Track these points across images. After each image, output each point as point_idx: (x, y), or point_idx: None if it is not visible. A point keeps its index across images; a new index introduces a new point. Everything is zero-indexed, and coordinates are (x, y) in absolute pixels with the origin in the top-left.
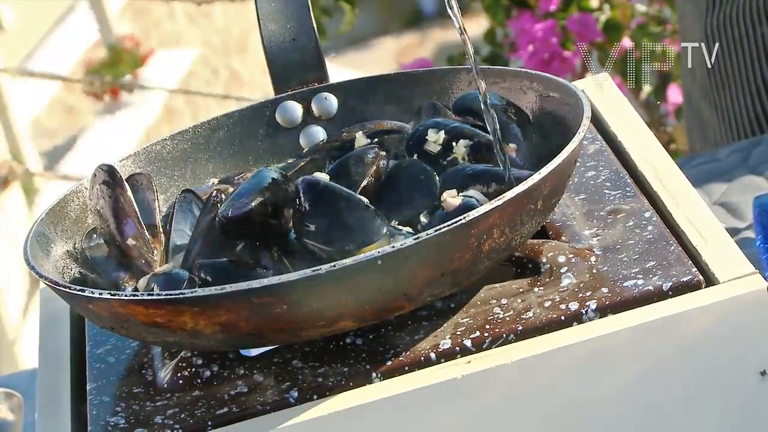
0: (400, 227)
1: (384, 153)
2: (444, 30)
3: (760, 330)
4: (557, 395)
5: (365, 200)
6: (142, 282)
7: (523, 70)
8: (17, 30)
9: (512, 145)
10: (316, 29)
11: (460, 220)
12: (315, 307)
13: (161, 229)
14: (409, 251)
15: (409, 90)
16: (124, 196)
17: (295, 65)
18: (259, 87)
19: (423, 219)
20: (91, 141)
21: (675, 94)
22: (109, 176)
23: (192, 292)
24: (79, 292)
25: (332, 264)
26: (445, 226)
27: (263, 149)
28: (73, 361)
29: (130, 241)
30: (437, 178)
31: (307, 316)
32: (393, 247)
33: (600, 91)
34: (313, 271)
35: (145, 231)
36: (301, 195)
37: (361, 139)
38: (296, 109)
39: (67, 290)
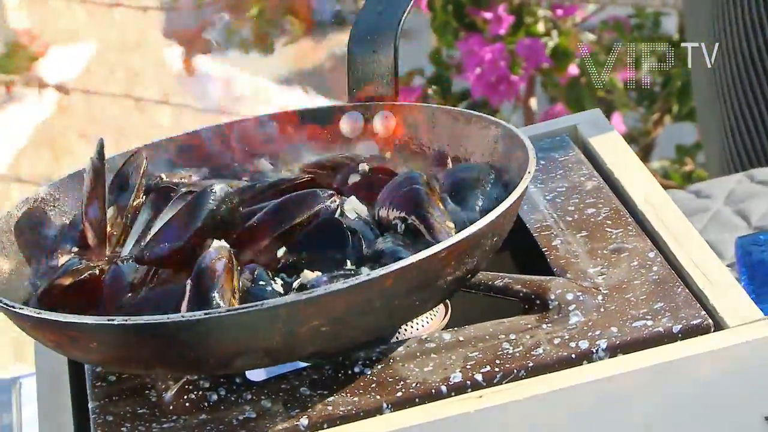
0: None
1: (335, 203)
2: (341, 34)
3: (766, 375)
4: None
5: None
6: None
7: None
8: None
9: (450, 224)
10: (397, 48)
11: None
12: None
13: (127, 216)
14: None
15: (459, 127)
16: (100, 181)
17: (370, 76)
18: (157, 85)
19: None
20: None
21: (618, 123)
22: (95, 160)
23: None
24: None
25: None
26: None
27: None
28: (72, 380)
29: (89, 222)
30: (350, 243)
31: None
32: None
33: (594, 128)
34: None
35: (106, 216)
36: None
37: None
38: (359, 120)
39: None
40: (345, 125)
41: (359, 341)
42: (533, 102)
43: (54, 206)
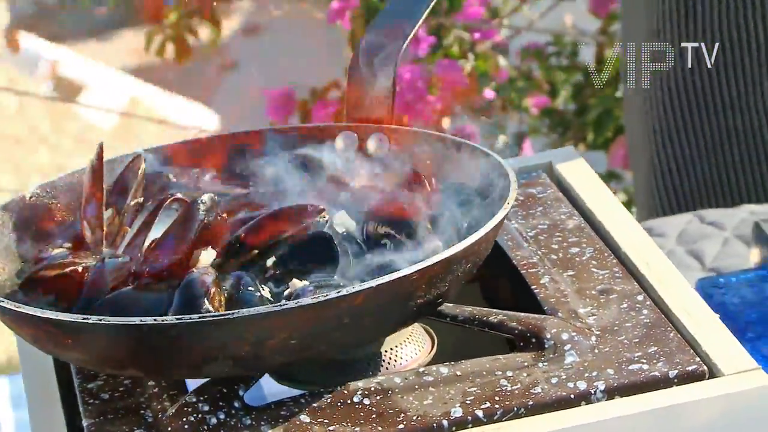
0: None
1: (324, 218)
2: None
3: (760, 424)
4: None
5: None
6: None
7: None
8: None
9: (438, 243)
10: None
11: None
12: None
13: (124, 215)
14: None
15: (447, 153)
16: (98, 182)
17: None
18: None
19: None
20: None
21: (528, 148)
22: (94, 162)
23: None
24: None
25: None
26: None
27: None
28: (63, 397)
29: (87, 220)
30: (339, 256)
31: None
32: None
33: (569, 165)
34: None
35: (103, 215)
36: None
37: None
38: (353, 140)
39: None
40: (340, 144)
41: (328, 356)
42: (446, 122)
43: (45, 206)
